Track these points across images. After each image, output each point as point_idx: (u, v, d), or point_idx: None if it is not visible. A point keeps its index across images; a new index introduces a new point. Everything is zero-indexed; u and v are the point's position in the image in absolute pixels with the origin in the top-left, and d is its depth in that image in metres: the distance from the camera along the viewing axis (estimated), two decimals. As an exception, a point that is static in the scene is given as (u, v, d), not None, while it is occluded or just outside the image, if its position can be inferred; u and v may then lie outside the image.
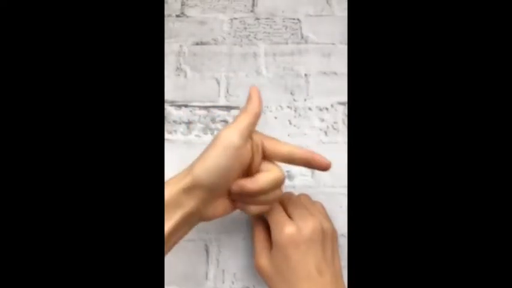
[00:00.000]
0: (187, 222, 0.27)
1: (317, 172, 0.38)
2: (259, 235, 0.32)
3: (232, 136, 0.26)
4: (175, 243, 0.28)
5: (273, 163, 0.29)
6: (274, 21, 0.47)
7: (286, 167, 0.38)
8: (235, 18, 0.47)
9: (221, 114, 0.41)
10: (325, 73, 0.43)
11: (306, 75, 0.43)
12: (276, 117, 0.41)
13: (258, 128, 0.35)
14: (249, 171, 0.28)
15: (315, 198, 0.35)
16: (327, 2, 0.48)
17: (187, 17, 0.48)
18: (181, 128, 0.41)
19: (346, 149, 0.39)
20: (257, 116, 0.27)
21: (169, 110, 0.41)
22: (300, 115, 0.41)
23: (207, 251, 0.35)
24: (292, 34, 0.46)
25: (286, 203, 0.32)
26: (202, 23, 0.47)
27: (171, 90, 0.42)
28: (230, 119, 0.41)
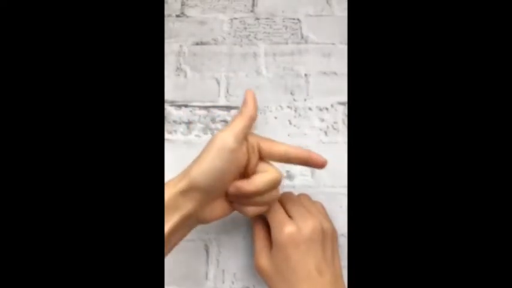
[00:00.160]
0: (185, 225, 0.27)
1: (317, 172, 0.38)
2: (259, 235, 0.32)
3: (227, 139, 0.26)
4: (173, 245, 0.28)
5: (270, 164, 0.29)
6: (274, 21, 0.47)
7: (286, 167, 0.38)
8: (235, 18, 0.47)
9: (221, 114, 0.41)
10: (325, 73, 0.43)
11: (306, 75, 0.43)
12: (276, 117, 0.41)
13: (258, 128, 0.35)
14: (245, 172, 0.29)
15: (315, 198, 0.35)
16: (327, 2, 0.48)
17: (187, 17, 0.48)
18: (181, 128, 0.41)
19: (346, 149, 0.39)
20: (252, 119, 0.28)
21: (169, 110, 0.41)
22: (300, 115, 0.41)
23: (207, 251, 0.35)
24: (292, 34, 0.46)
25: (286, 202, 0.32)
26: (202, 23, 0.47)
27: (171, 90, 0.42)
28: (230, 119, 0.41)
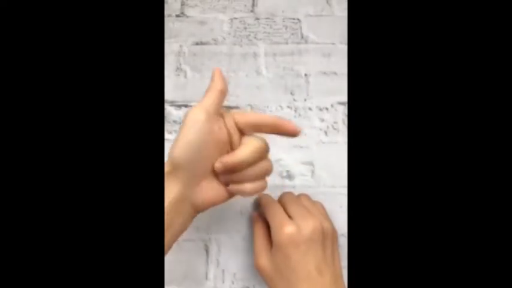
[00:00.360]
0: (179, 212, 0.26)
1: (317, 172, 0.38)
2: (259, 234, 0.32)
3: (196, 112, 0.26)
4: (174, 236, 0.27)
5: (253, 135, 0.29)
6: (274, 21, 0.47)
7: (286, 167, 0.38)
8: (235, 18, 0.47)
9: (221, 114, 0.41)
10: (325, 73, 0.43)
11: (306, 75, 0.43)
12: (276, 117, 0.41)
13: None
14: (232, 150, 0.28)
15: (315, 198, 0.35)
16: (327, 2, 0.48)
17: (187, 17, 0.47)
18: (181, 128, 0.41)
19: (346, 149, 0.39)
20: (222, 93, 0.28)
21: (169, 110, 0.41)
22: (300, 115, 0.41)
23: (207, 251, 0.35)
24: (292, 34, 0.46)
25: (286, 202, 0.32)
26: (202, 23, 0.47)
27: (171, 90, 0.42)
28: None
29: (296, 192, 0.35)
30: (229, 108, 0.41)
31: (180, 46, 0.45)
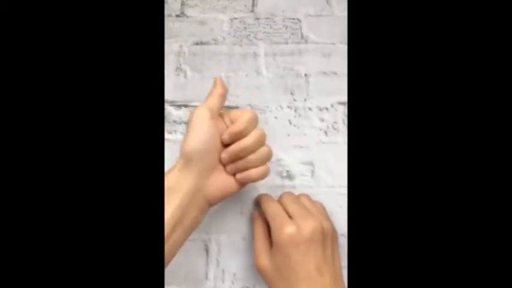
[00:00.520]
0: (192, 204, 0.29)
1: (317, 172, 0.38)
2: (259, 235, 0.32)
3: (202, 111, 0.30)
4: (186, 232, 0.29)
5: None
6: (274, 21, 0.47)
7: (286, 166, 0.38)
8: (235, 18, 0.47)
9: (221, 114, 0.41)
10: (325, 73, 0.43)
11: (306, 75, 0.43)
12: (276, 117, 0.41)
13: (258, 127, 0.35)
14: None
15: (315, 198, 0.35)
16: (327, 2, 0.48)
17: (187, 17, 0.47)
18: (181, 128, 0.41)
19: (346, 149, 0.39)
20: (222, 96, 0.32)
21: (169, 110, 0.41)
22: (300, 115, 0.41)
23: (207, 251, 0.35)
24: (292, 34, 0.46)
25: (286, 202, 0.32)
26: (202, 23, 0.47)
27: (171, 90, 0.42)
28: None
29: (296, 192, 0.35)
30: (229, 108, 0.41)
31: (180, 46, 0.45)
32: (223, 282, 0.34)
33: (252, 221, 0.34)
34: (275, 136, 0.39)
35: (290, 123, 0.41)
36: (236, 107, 0.41)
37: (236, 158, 0.30)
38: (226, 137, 0.30)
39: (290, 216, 0.30)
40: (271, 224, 0.30)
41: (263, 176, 0.31)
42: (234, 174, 0.31)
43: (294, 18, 0.47)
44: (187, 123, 0.31)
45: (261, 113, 0.41)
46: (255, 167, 0.31)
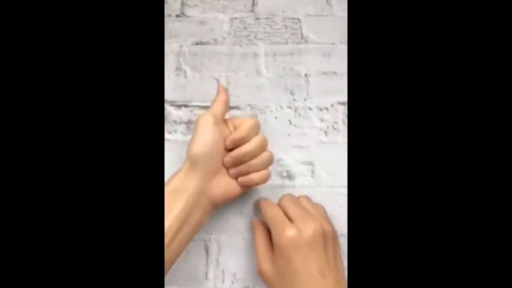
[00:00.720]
0: (197, 205, 0.30)
1: (317, 172, 0.38)
2: (260, 239, 0.32)
3: (207, 117, 0.32)
4: (191, 232, 0.30)
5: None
6: (274, 21, 0.47)
7: (286, 167, 0.38)
8: (235, 18, 0.47)
9: (221, 114, 0.41)
10: (325, 73, 0.43)
11: (306, 75, 0.43)
12: (276, 117, 0.41)
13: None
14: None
15: (315, 198, 0.35)
16: (327, 2, 0.48)
17: (187, 17, 0.47)
18: (181, 128, 0.41)
19: (346, 149, 0.39)
20: (225, 103, 0.34)
21: (169, 110, 0.41)
22: (300, 115, 0.41)
23: (207, 251, 0.35)
24: (292, 34, 0.46)
25: (286, 205, 0.32)
26: (202, 23, 0.47)
27: (171, 90, 0.42)
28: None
29: (296, 192, 0.35)
30: (229, 108, 0.41)
31: (180, 46, 0.45)
32: (223, 282, 0.34)
33: (252, 227, 0.34)
34: (275, 136, 0.39)
35: (290, 123, 0.41)
36: (236, 107, 0.41)
37: (238, 162, 0.32)
38: (229, 143, 0.32)
39: (290, 219, 0.30)
40: (272, 227, 0.30)
41: (264, 179, 0.33)
42: (236, 178, 0.33)
43: (294, 18, 0.47)
44: (192, 129, 0.32)
45: (261, 113, 0.41)
46: (257, 171, 0.32)
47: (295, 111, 0.41)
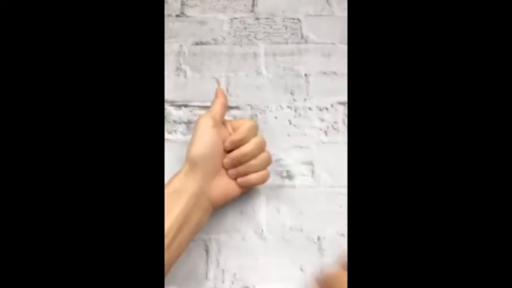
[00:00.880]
0: (198, 206, 0.30)
1: (317, 172, 0.38)
2: None
3: (207, 119, 0.32)
4: (191, 232, 0.30)
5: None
6: (274, 21, 0.47)
7: (286, 166, 0.38)
8: (235, 18, 0.47)
9: (221, 114, 0.41)
10: (325, 73, 0.43)
11: (306, 75, 0.43)
12: (276, 117, 0.41)
13: (258, 127, 0.35)
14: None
15: (315, 198, 0.35)
16: (327, 2, 0.48)
17: (187, 17, 0.48)
18: (181, 128, 0.41)
19: (346, 149, 0.39)
20: (224, 106, 0.34)
21: (169, 110, 0.41)
22: (300, 115, 0.41)
23: (207, 251, 0.35)
24: (292, 34, 0.46)
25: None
26: (202, 23, 0.47)
27: (171, 90, 0.42)
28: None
29: (296, 192, 0.35)
30: (229, 108, 0.41)
31: (180, 46, 0.45)
32: (223, 282, 0.34)
33: None
34: (275, 136, 0.39)
35: (290, 123, 0.41)
36: (236, 107, 0.41)
37: (237, 163, 0.32)
38: (228, 144, 0.32)
39: None
40: None
41: (263, 180, 0.34)
42: (235, 179, 0.33)
43: (294, 18, 0.47)
44: (192, 129, 0.33)
45: (261, 113, 0.41)
46: (255, 171, 0.33)
47: (295, 111, 0.41)
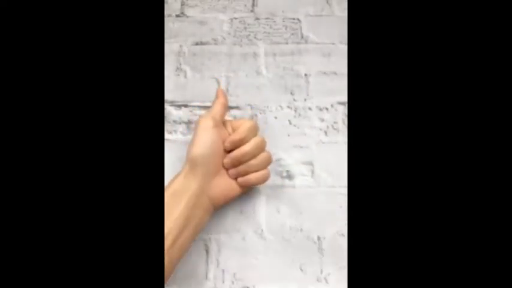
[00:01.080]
0: (198, 205, 0.30)
1: (317, 172, 0.38)
2: None
3: (207, 119, 0.32)
4: (194, 231, 0.30)
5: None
6: (274, 21, 0.47)
7: (286, 166, 0.38)
8: (235, 18, 0.47)
9: (221, 114, 0.41)
10: (325, 73, 0.43)
11: (306, 75, 0.43)
12: (276, 117, 0.41)
13: (258, 127, 0.35)
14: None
15: (315, 198, 0.35)
16: (327, 2, 0.48)
17: (187, 17, 0.48)
18: (181, 128, 0.41)
19: (346, 149, 0.39)
20: (224, 106, 0.35)
21: (169, 110, 0.41)
22: (300, 115, 0.41)
23: (207, 251, 0.35)
24: (292, 34, 0.46)
25: None
26: (202, 23, 0.47)
27: (171, 90, 0.42)
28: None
29: (296, 192, 0.35)
30: (229, 108, 0.41)
31: (180, 46, 0.45)
32: (223, 282, 0.34)
33: None
34: (275, 136, 0.39)
35: (290, 123, 0.41)
36: (236, 107, 0.41)
37: (237, 163, 0.32)
38: (228, 144, 0.32)
39: None
40: None
41: (263, 180, 0.34)
42: (236, 179, 0.33)
43: (294, 18, 0.47)
44: (192, 129, 0.33)
45: (261, 113, 0.41)
46: (256, 171, 0.33)
47: (295, 111, 0.41)
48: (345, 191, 0.37)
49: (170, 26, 0.47)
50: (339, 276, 0.33)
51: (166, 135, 0.40)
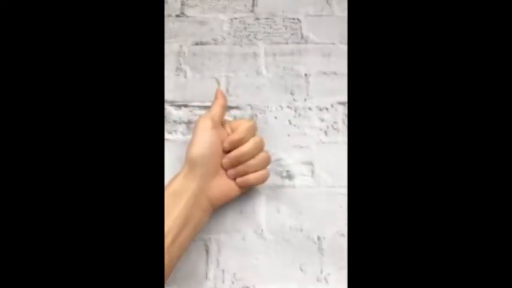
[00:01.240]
0: (197, 206, 0.30)
1: (317, 172, 0.38)
2: None
3: (206, 120, 0.33)
4: (193, 231, 0.30)
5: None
6: (274, 21, 0.47)
7: (286, 166, 0.38)
8: (235, 18, 0.47)
9: (221, 114, 0.41)
10: (325, 73, 0.43)
11: (306, 75, 0.43)
12: (276, 117, 0.41)
13: (258, 127, 0.35)
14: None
15: (315, 198, 0.35)
16: (327, 2, 0.48)
17: (187, 17, 0.48)
18: (181, 128, 0.41)
19: (346, 149, 0.39)
20: (223, 107, 0.35)
21: (169, 110, 0.41)
22: (300, 115, 0.41)
23: (207, 251, 0.35)
24: (292, 34, 0.46)
25: None
26: (202, 23, 0.47)
27: (171, 90, 0.42)
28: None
29: (296, 192, 0.35)
30: (229, 108, 0.41)
31: (180, 46, 0.45)
32: (223, 282, 0.34)
33: None
34: (275, 136, 0.39)
35: (290, 123, 0.41)
36: (236, 107, 0.41)
37: (236, 163, 0.33)
38: (226, 145, 0.33)
39: None
40: None
41: (262, 180, 0.34)
42: (234, 179, 0.33)
43: (294, 18, 0.47)
44: (193, 130, 0.33)
45: (261, 113, 0.41)
46: (254, 171, 0.33)
47: (295, 111, 0.41)
48: (345, 191, 0.37)
49: (170, 26, 0.47)
50: (339, 276, 0.33)
51: (166, 135, 0.40)
